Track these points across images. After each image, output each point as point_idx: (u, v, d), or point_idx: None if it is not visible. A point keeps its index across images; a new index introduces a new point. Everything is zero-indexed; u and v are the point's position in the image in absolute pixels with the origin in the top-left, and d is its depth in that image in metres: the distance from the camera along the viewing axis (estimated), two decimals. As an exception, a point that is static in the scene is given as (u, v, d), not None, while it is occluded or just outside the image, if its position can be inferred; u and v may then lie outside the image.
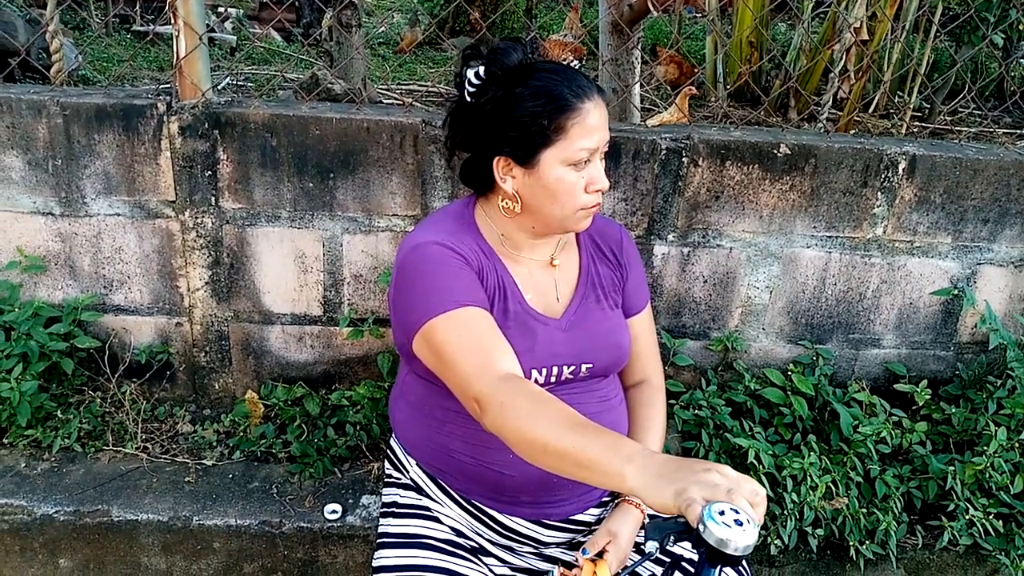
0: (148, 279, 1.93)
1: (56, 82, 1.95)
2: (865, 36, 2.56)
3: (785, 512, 1.75)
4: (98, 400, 1.95)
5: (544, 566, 1.37)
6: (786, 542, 1.74)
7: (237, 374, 2.04)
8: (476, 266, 1.27)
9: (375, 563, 1.35)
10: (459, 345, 1.16)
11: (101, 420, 1.92)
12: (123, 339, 1.99)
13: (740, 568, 1.34)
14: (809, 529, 1.76)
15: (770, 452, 1.81)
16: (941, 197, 1.95)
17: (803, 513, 1.75)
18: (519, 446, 1.05)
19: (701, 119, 2.75)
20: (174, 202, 1.86)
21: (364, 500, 1.78)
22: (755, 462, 1.76)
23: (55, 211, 1.86)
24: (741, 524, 0.81)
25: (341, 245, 1.92)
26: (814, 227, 1.95)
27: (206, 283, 1.94)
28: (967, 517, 1.78)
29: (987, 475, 1.80)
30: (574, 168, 1.22)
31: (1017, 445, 1.84)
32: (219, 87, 2.08)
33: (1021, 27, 2.84)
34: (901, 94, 3.07)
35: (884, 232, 1.97)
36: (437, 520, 1.38)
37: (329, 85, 2.27)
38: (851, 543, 1.76)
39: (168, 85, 1.97)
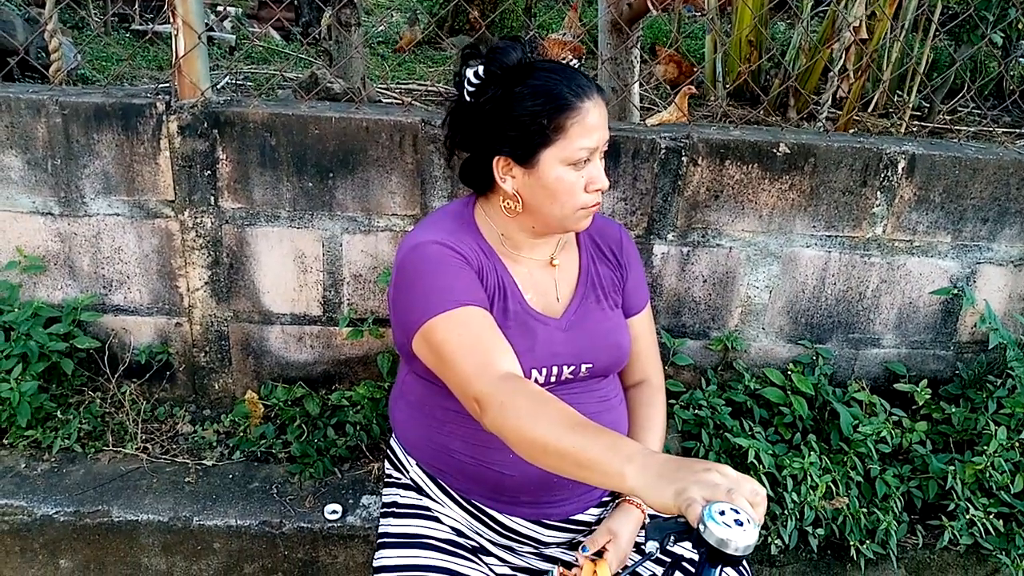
0: (147, 279, 1.93)
1: (55, 81, 1.95)
2: (864, 35, 2.55)
3: (785, 512, 1.75)
4: (98, 400, 1.95)
5: (544, 566, 1.37)
6: (786, 542, 1.74)
7: (237, 374, 2.04)
8: (476, 265, 1.26)
9: (376, 563, 1.35)
10: (459, 344, 1.16)
11: (101, 420, 1.92)
12: (123, 339, 1.99)
13: (741, 568, 1.34)
14: (809, 529, 1.76)
15: (770, 452, 1.81)
16: (940, 196, 1.95)
17: (803, 513, 1.75)
18: (519, 446, 1.05)
19: (700, 118, 2.74)
20: (173, 202, 1.86)
21: (364, 500, 1.78)
22: (755, 462, 1.76)
23: (54, 211, 1.85)
24: (741, 524, 0.81)
25: (340, 245, 1.91)
26: (813, 226, 1.95)
27: (206, 283, 1.94)
28: (967, 517, 1.78)
29: (987, 474, 1.80)
30: (574, 167, 1.22)
31: (1017, 444, 1.84)
32: (218, 86, 2.08)
33: (1020, 26, 2.84)
34: (900, 93, 3.07)
35: (884, 231, 1.97)
36: (437, 520, 1.38)
37: (328, 84, 2.27)
38: (851, 543, 1.76)
39: (167, 84, 1.97)
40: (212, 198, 1.86)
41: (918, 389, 1.96)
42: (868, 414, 1.93)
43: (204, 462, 1.86)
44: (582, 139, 1.20)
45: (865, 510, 1.78)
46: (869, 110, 2.94)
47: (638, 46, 2.21)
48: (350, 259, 1.93)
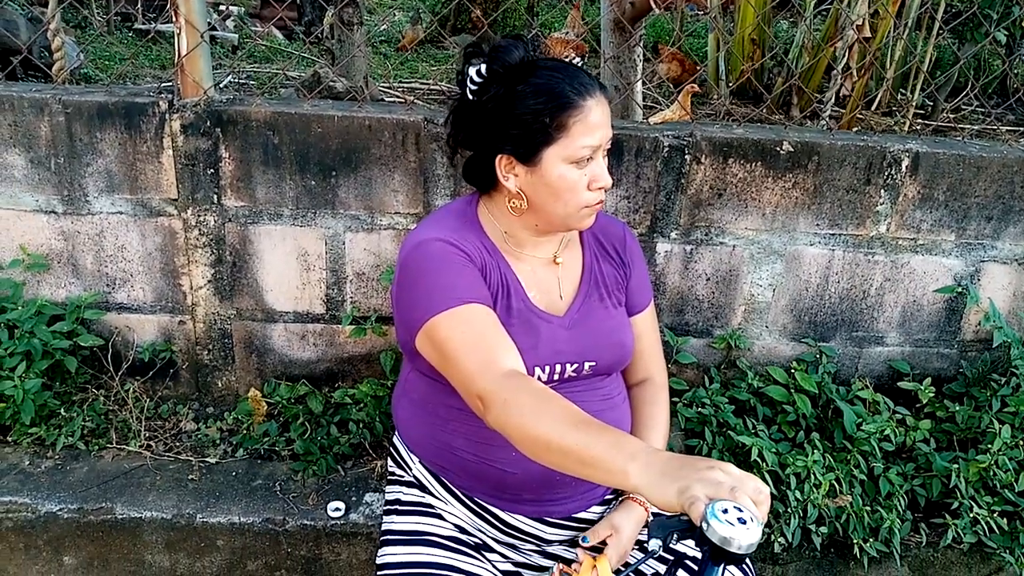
0: (151, 277, 1.93)
1: (58, 80, 1.96)
2: (868, 33, 2.55)
3: (789, 510, 1.75)
4: (101, 398, 1.95)
5: (547, 563, 1.37)
6: (790, 540, 1.74)
7: (240, 372, 2.04)
8: (479, 263, 1.26)
9: (379, 560, 1.35)
10: (462, 342, 1.16)
11: (104, 418, 1.92)
12: (126, 337, 1.99)
13: (744, 566, 1.34)
14: (813, 527, 1.76)
15: (773, 450, 1.80)
16: (944, 194, 1.94)
17: (807, 511, 1.75)
18: (522, 443, 1.05)
19: (703, 117, 2.74)
20: (176, 200, 1.86)
21: (367, 498, 1.78)
22: (758, 460, 1.76)
23: (58, 209, 1.86)
24: (744, 522, 0.81)
25: (343, 243, 1.92)
26: (817, 225, 1.95)
27: (209, 281, 1.94)
28: (971, 515, 1.78)
29: (991, 473, 1.80)
30: (576, 166, 1.22)
31: (1021, 443, 1.84)
32: (221, 85, 2.08)
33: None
34: (904, 91, 3.06)
35: (887, 230, 1.97)
36: (440, 517, 1.38)
37: (331, 83, 2.27)
38: (855, 541, 1.75)
39: (170, 83, 1.97)
40: (215, 196, 1.86)
41: (922, 387, 1.96)
42: (872, 412, 1.93)
43: (207, 459, 1.87)
44: (584, 137, 1.20)
45: (869, 508, 1.77)
46: (872, 108, 2.94)
47: (641, 44, 2.21)
48: (353, 257, 1.93)
